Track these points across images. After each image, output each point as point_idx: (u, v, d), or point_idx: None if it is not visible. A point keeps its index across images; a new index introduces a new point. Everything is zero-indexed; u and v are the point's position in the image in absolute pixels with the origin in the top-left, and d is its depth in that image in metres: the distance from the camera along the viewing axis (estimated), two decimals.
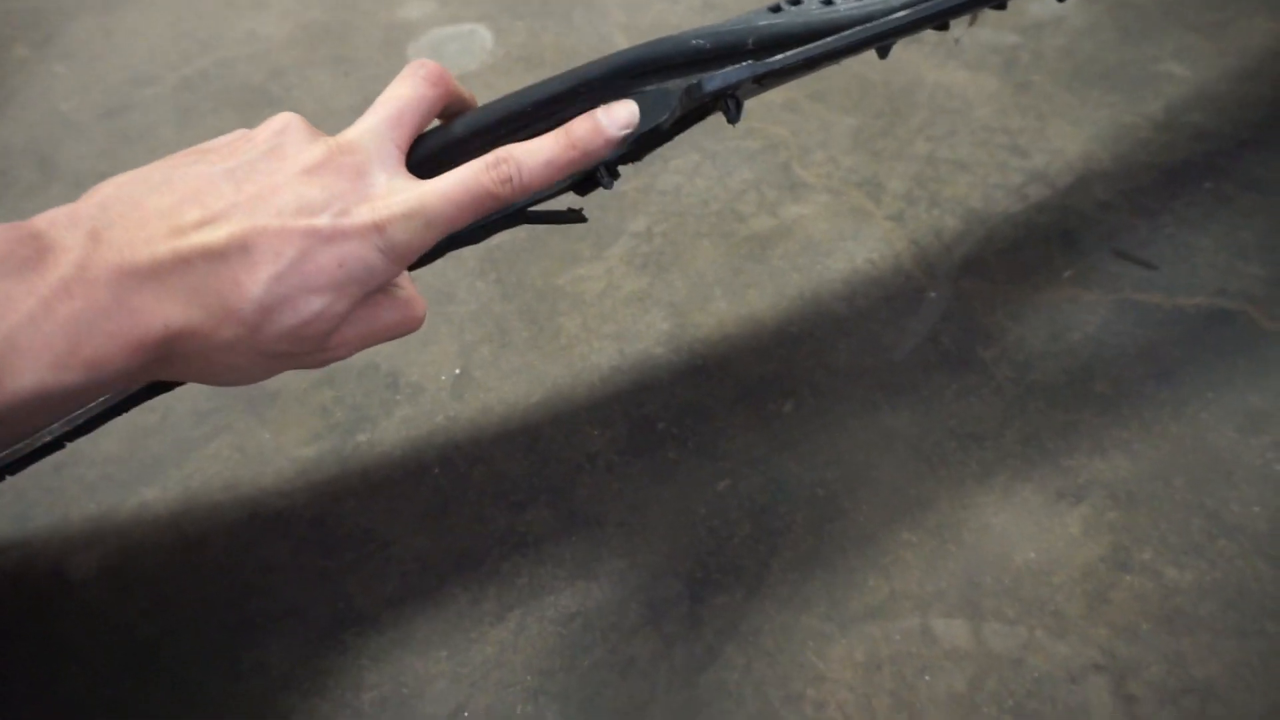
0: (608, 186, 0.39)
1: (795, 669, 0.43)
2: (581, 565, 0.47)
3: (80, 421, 0.43)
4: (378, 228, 0.32)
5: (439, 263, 0.61)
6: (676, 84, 0.36)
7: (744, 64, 0.35)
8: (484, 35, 0.81)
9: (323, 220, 0.31)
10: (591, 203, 0.65)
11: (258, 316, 0.30)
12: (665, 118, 0.36)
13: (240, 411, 0.55)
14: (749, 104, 0.71)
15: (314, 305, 0.31)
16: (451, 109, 0.38)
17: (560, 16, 0.82)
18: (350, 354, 0.35)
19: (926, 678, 0.42)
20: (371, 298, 0.34)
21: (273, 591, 0.47)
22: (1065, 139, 0.66)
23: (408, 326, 0.36)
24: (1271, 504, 0.46)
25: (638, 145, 0.39)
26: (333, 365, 0.56)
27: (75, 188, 0.70)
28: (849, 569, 0.46)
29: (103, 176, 0.67)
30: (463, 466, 0.51)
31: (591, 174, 0.39)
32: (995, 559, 0.46)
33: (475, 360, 0.56)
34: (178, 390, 0.56)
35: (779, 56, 0.35)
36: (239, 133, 0.34)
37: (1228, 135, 0.64)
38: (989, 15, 0.76)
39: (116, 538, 0.50)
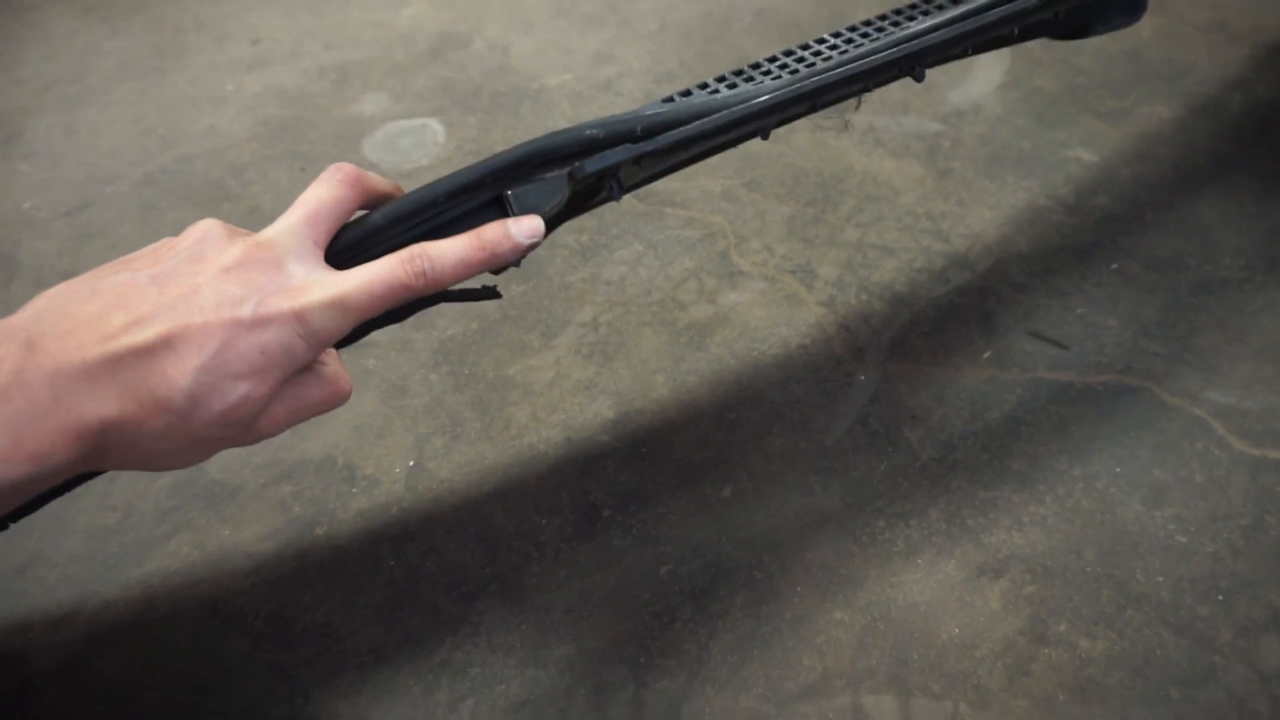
0: (516, 265, 0.42)
1: None
2: (531, 653, 0.49)
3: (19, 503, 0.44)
4: (298, 316, 0.35)
5: (393, 355, 0.64)
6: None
7: (622, 147, 0.39)
8: (436, 129, 0.84)
9: (244, 311, 0.34)
10: (540, 293, 0.68)
11: (187, 405, 0.33)
12: (559, 199, 0.40)
13: (200, 509, 0.57)
14: (691, 194, 0.75)
15: (239, 390, 0.34)
16: (372, 203, 0.41)
17: (509, 110, 0.86)
18: (280, 430, 0.37)
19: None
20: (297, 377, 0.37)
21: (231, 690, 0.49)
22: (984, 223, 0.70)
23: (334, 402, 0.38)
24: (1173, 573, 0.50)
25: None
26: (292, 459, 0.58)
27: (37, 285, 0.72)
28: (784, 649, 0.49)
29: (65, 274, 0.69)
30: (416, 558, 0.53)
31: None
32: (921, 635, 0.49)
33: (428, 452, 0.59)
34: (139, 489, 0.58)
35: (654, 140, 0.39)
36: (163, 241, 0.37)
37: (1131, 217, 0.69)
38: (914, 103, 0.81)
39: (78, 638, 0.51)
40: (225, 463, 0.59)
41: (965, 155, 0.76)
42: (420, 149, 0.81)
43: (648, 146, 0.38)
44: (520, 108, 0.86)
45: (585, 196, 0.41)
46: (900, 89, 0.83)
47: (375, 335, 0.66)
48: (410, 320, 0.67)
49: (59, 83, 0.95)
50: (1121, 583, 0.50)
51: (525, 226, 0.40)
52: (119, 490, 0.58)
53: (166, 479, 0.58)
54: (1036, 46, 0.86)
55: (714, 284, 0.67)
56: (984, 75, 0.84)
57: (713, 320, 0.65)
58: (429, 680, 0.48)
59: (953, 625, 0.49)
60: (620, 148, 0.38)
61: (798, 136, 0.79)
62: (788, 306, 0.65)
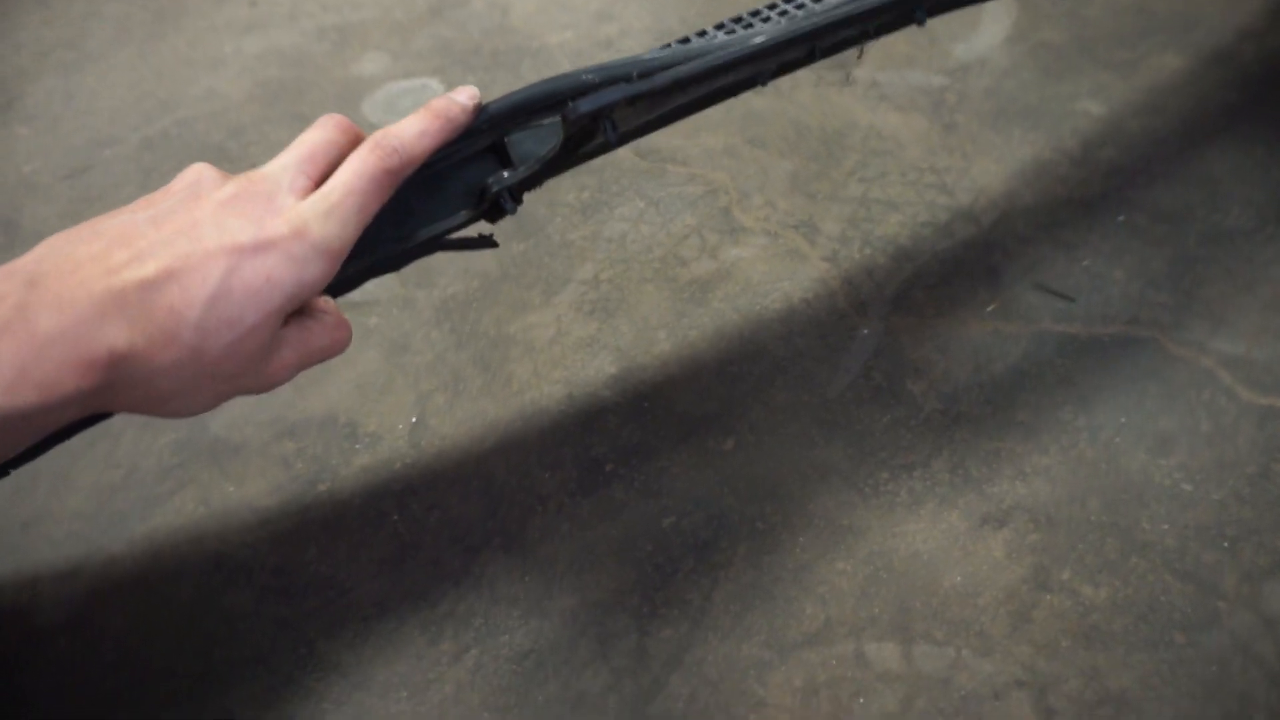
0: (511, 211, 0.43)
1: (737, 696, 0.45)
2: (534, 604, 0.49)
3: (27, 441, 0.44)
4: (298, 234, 0.35)
5: (395, 313, 0.64)
6: None
7: (615, 86, 0.38)
8: (436, 89, 0.83)
9: (244, 237, 0.34)
10: (541, 251, 0.67)
11: (197, 338, 0.33)
12: (556, 143, 0.39)
13: (204, 465, 0.57)
14: (692, 151, 0.74)
15: (249, 319, 0.34)
16: None
17: (509, 68, 0.85)
18: (289, 376, 0.37)
19: (861, 700, 0.45)
20: (303, 323, 0.37)
21: (237, 640, 0.49)
22: (989, 177, 0.69)
23: (337, 348, 0.39)
24: (1179, 521, 0.49)
25: (539, 171, 0.42)
26: (294, 417, 0.58)
27: None
28: (787, 599, 0.49)
29: None
30: (419, 512, 0.54)
31: (496, 200, 0.42)
32: (924, 584, 0.49)
33: (431, 408, 0.59)
34: (142, 446, 0.58)
35: (648, 80, 0.39)
36: (158, 190, 0.37)
37: (1139, 169, 0.68)
38: (919, 57, 0.80)
39: (84, 592, 0.52)
40: (228, 420, 0.59)
41: (971, 109, 0.75)
42: None
43: (642, 87, 0.38)
44: (521, 66, 0.85)
45: (580, 141, 0.40)
46: (905, 43, 0.81)
47: (377, 293, 0.66)
48: (412, 278, 0.67)
49: (58, 47, 0.94)
50: (1126, 531, 0.49)
51: (463, 91, 0.41)
52: (123, 448, 0.58)
53: (170, 436, 0.58)
54: None
55: (716, 240, 0.67)
56: (991, 28, 0.82)
57: (715, 276, 0.64)
58: (433, 631, 0.49)
59: (955, 574, 0.49)
60: (614, 87, 0.38)
61: (801, 92, 0.78)
62: (790, 261, 0.65)
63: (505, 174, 0.42)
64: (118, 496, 0.56)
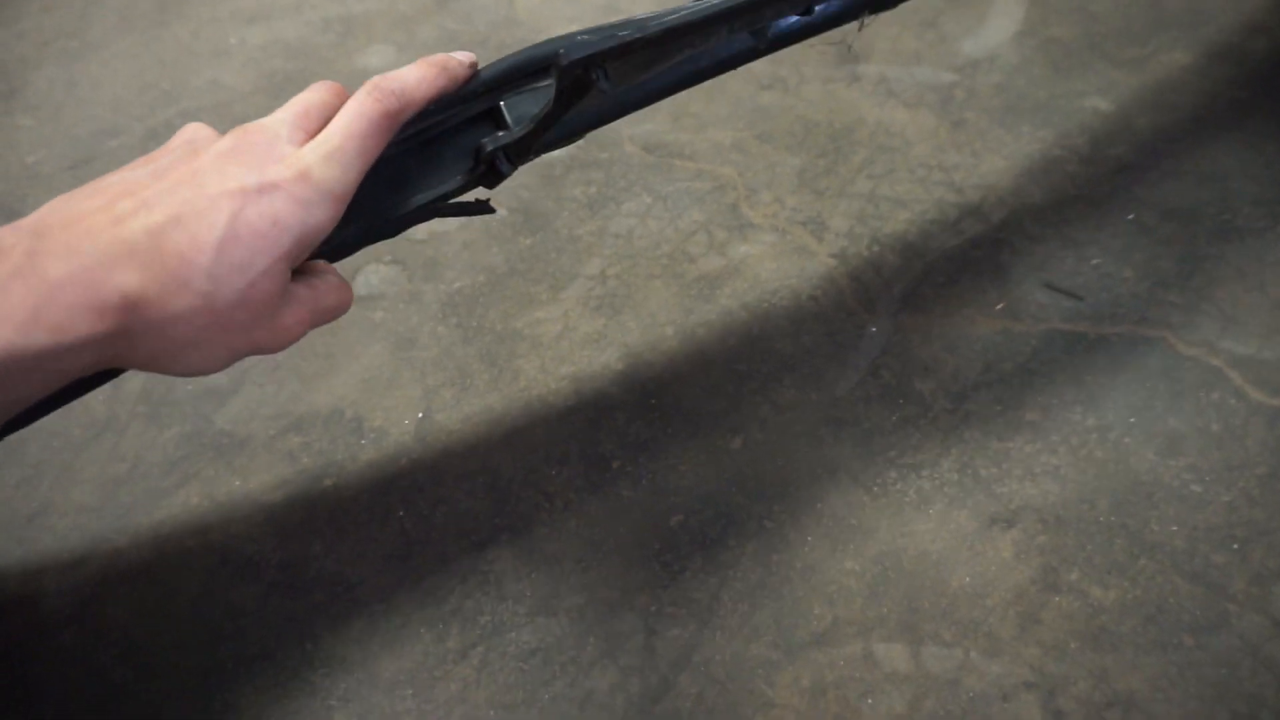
0: (507, 173, 0.42)
1: (745, 696, 0.45)
2: (541, 602, 0.49)
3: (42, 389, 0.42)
4: (301, 176, 0.35)
5: (401, 307, 0.64)
6: None
7: (608, 36, 0.38)
8: None
9: (248, 181, 0.34)
10: (547, 246, 0.67)
11: (208, 284, 0.33)
12: (549, 99, 0.39)
13: (209, 459, 0.57)
14: (700, 146, 0.74)
15: (259, 264, 0.34)
16: None
17: None
18: (302, 332, 0.38)
19: (869, 701, 0.45)
20: (310, 280, 0.38)
21: (243, 635, 0.49)
22: (998, 174, 0.69)
23: (344, 306, 0.40)
24: (1188, 522, 0.49)
25: (534, 130, 0.41)
26: (300, 411, 0.58)
27: None
28: (795, 598, 0.48)
29: None
30: (426, 508, 0.53)
31: (493, 164, 0.42)
32: (933, 584, 0.48)
33: (437, 404, 0.58)
34: (148, 439, 0.58)
35: (639, 28, 0.38)
36: (159, 149, 0.37)
37: (1148, 166, 0.68)
38: (927, 53, 0.80)
39: (89, 585, 0.51)
40: (234, 414, 0.59)
41: (979, 105, 0.74)
42: None
43: (634, 33, 0.37)
44: None
45: (573, 94, 0.39)
46: (913, 39, 0.81)
47: (384, 288, 0.66)
48: (418, 272, 0.66)
49: (60, 36, 0.94)
50: (1135, 532, 0.49)
51: (458, 54, 0.41)
52: (128, 441, 0.58)
53: (175, 429, 0.58)
54: None
55: (724, 236, 0.66)
56: (999, 23, 0.82)
57: (722, 272, 0.64)
58: (439, 628, 0.49)
59: (964, 574, 0.49)
60: (606, 36, 0.37)
61: (809, 88, 0.78)
62: (798, 258, 0.64)
63: (500, 134, 0.42)
64: (122, 490, 0.55)
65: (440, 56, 0.40)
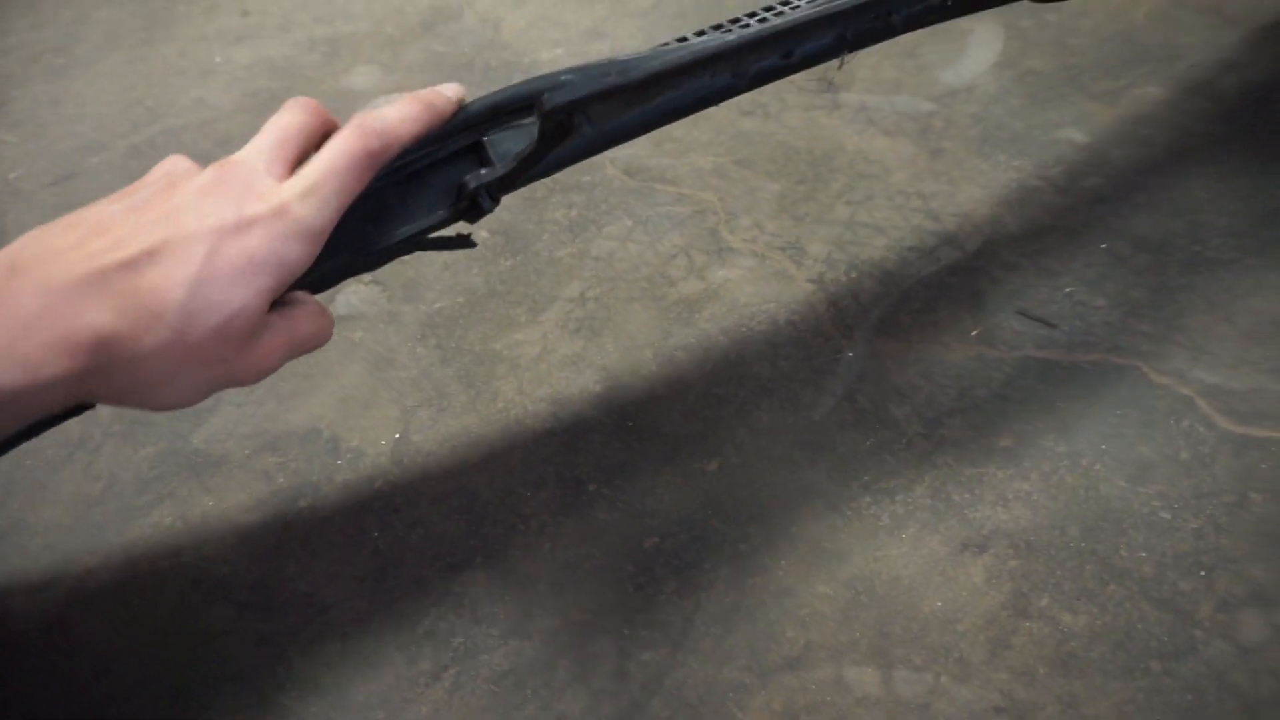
0: (489, 209, 0.43)
1: None
2: (515, 624, 0.49)
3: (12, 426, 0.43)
4: (279, 213, 0.35)
5: (381, 327, 0.64)
6: None
7: (591, 79, 0.38)
8: None
9: (225, 218, 0.34)
10: (527, 268, 0.68)
11: (182, 320, 0.33)
12: (532, 140, 0.39)
13: (183, 479, 0.56)
14: (681, 170, 0.74)
15: (234, 301, 0.34)
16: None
17: (500, 84, 0.85)
18: (278, 363, 0.37)
19: None
20: (288, 311, 0.37)
21: (215, 657, 0.49)
22: (975, 203, 0.70)
23: (323, 336, 0.39)
24: (1156, 549, 0.50)
25: (516, 169, 0.42)
26: (277, 431, 0.58)
27: None
28: (768, 621, 0.49)
29: None
30: (401, 530, 0.53)
31: (475, 200, 0.42)
32: (904, 609, 0.49)
33: (414, 424, 0.58)
34: (121, 459, 0.57)
35: (623, 73, 0.38)
36: (135, 183, 0.37)
37: (1122, 198, 0.69)
38: (906, 82, 0.81)
39: (60, 606, 0.51)
40: (209, 433, 0.59)
41: (957, 135, 0.76)
42: None
43: (618, 79, 0.38)
44: (512, 82, 0.85)
45: (556, 136, 0.40)
46: (893, 68, 0.82)
47: (363, 308, 0.66)
48: (398, 293, 0.67)
49: (46, 52, 0.94)
50: (1104, 558, 0.50)
51: (447, 87, 0.41)
52: (102, 460, 0.58)
53: (150, 448, 0.58)
54: (1032, 26, 0.85)
55: (703, 260, 0.67)
56: (978, 54, 0.83)
57: (702, 296, 0.65)
58: (412, 650, 0.48)
59: (936, 599, 0.49)
60: (590, 80, 0.38)
61: (789, 115, 0.79)
62: (777, 283, 0.65)
63: (483, 172, 0.42)
64: (95, 509, 0.55)
65: (427, 92, 0.40)
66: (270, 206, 0.35)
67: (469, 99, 0.42)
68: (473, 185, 0.42)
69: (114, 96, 0.88)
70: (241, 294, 0.34)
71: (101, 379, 0.33)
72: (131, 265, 0.32)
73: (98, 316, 0.31)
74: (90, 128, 0.84)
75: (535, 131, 0.39)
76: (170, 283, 0.32)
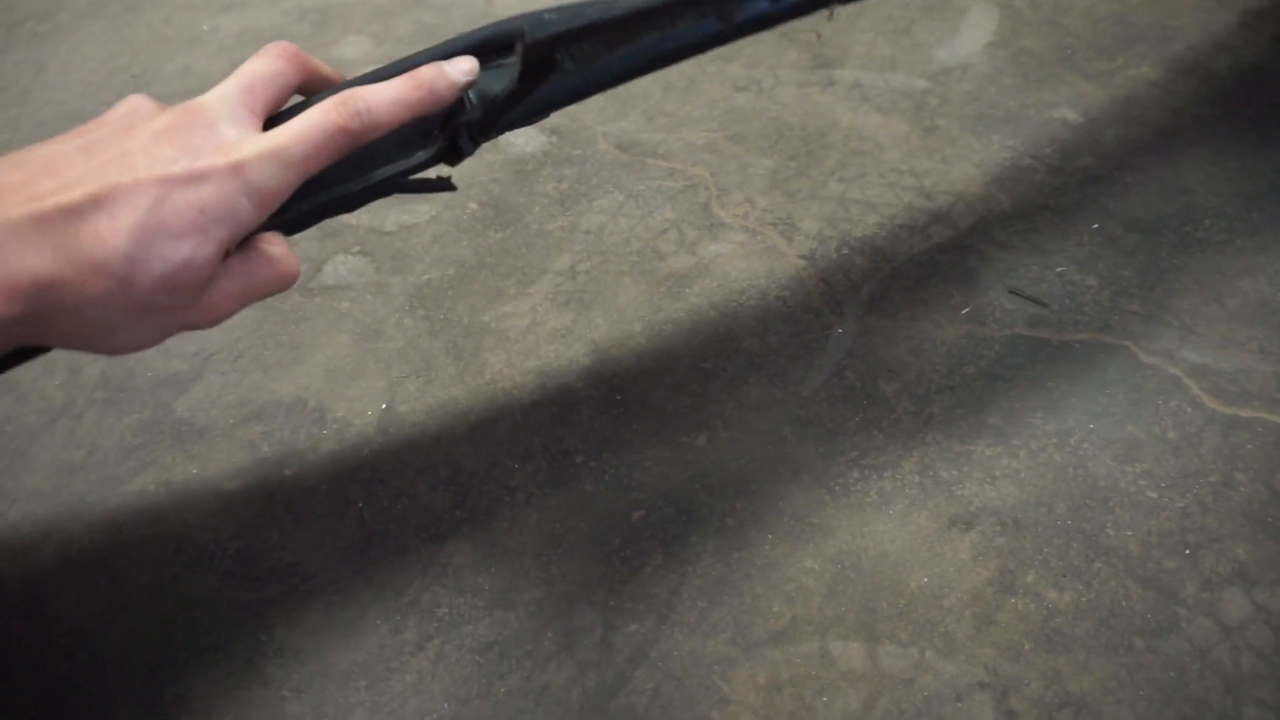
0: (469, 151, 0.42)
1: (701, 692, 0.45)
2: (500, 595, 0.49)
3: None
4: (235, 169, 0.33)
5: (368, 298, 0.63)
6: None
7: (574, 15, 0.37)
8: None
9: (177, 167, 0.33)
10: (517, 241, 0.67)
11: (125, 268, 0.32)
12: (513, 79, 0.39)
13: (167, 447, 0.56)
14: (673, 145, 0.74)
15: (181, 251, 0.33)
16: (313, 87, 0.40)
17: None
18: (233, 309, 0.36)
19: (824, 699, 0.45)
20: (247, 255, 0.36)
21: (196, 626, 0.48)
22: (968, 181, 0.70)
23: (283, 283, 0.37)
24: (1142, 528, 0.50)
25: (497, 109, 0.41)
26: (262, 400, 0.57)
27: None
28: (754, 595, 0.48)
29: None
30: (386, 500, 0.53)
31: (455, 141, 0.42)
32: (891, 584, 0.49)
33: (401, 395, 0.58)
34: (105, 426, 0.57)
35: (602, 10, 0.38)
36: (92, 121, 0.36)
37: (1114, 178, 0.69)
38: (901, 60, 0.80)
39: (39, 574, 0.51)
40: (193, 401, 0.58)
41: (951, 113, 0.75)
42: None
43: (601, 14, 0.37)
44: None
45: (538, 73, 0.39)
46: (888, 45, 0.82)
47: (350, 278, 0.65)
48: (386, 264, 0.66)
49: (30, 19, 0.93)
50: (1091, 536, 0.50)
51: (460, 64, 0.39)
52: (85, 427, 0.57)
53: (134, 416, 0.57)
54: (1026, 6, 0.85)
55: (694, 235, 0.67)
56: (973, 33, 0.83)
57: (692, 271, 0.64)
58: (396, 620, 0.48)
59: (922, 575, 0.49)
60: (573, 15, 0.37)
61: (783, 91, 0.78)
62: (768, 259, 0.65)
63: (464, 111, 0.41)
64: (77, 476, 0.55)
65: (431, 72, 0.38)
66: (228, 161, 0.33)
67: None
68: (452, 126, 0.41)
69: (98, 64, 0.86)
70: (188, 245, 0.32)
71: (43, 324, 0.32)
72: (76, 210, 0.31)
73: (38, 261, 0.30)
74: (74, 95, 0.83)
75: (517, 71, 0.38)
76: (114, 230, 0.31)
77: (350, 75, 0.42)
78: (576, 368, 0.59)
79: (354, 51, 0.86)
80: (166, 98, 0.82)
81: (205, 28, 0.90)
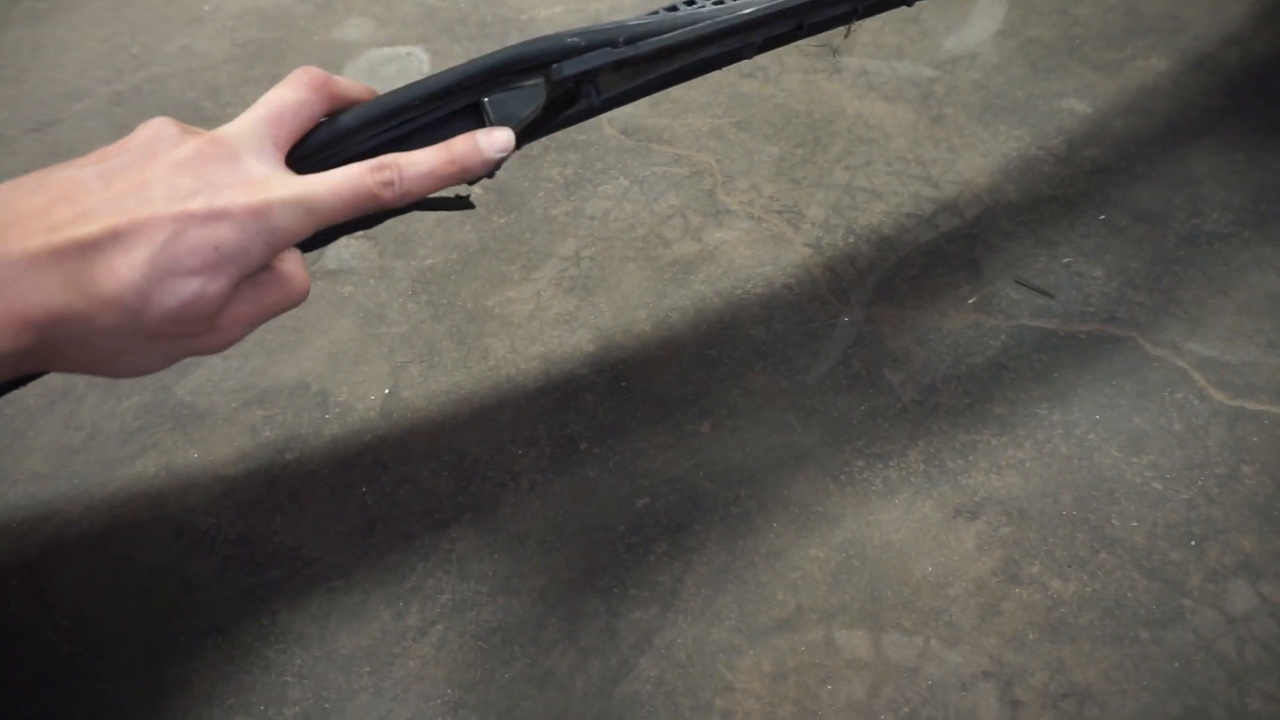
0: (490, 175, 0.41)
1: (705, 680, 0.45)
2: (503, 581, 0.49)
3: None
4: (258, 212, 0.33)
5: (372, 283, 0.63)
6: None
7: (601, 51, 0.37)
8: (421, 58, 0.82)
9: (196, 204, 0.32)
10: (522, 226, 0.66)
11: (137, 301, 0.31)
12: (537, 105, 0.38)
13: (168, 430, 0.55)
14: (679, 131, 0.73)
15: (192, 287, 0.32)
16: (340, 111, 0.39)
17: (496, 40, 0.83)
18: (243, 333, 0.36)
19: (829, 687, 0.45)
20: (258, 277, 0.35)
21: (197, 609, 0.48)
22: (975, 170, 0.69)
23: (292, 302, 0.37)
24: (1148, 519, 0.50)
25: (519, 134, 0.41)
26: (264, 384, 0.57)
27: None
28: (759, 583, 0.48)
29: None
30: (389, 485, 0.53)
31: None
32: (896, 573, 0.49)
33: (405, 380, 0.58)
34: (106, 409, 0.56)
35: (634, 45, 0.37)
36: (115, 143, 0.35)
37: (1121, 169, 0.68)
38: (909, 48, 0.80)
39: (39, 557, 0.50)
40: (195, 385, 0.58)
41: (959, 102, 0.75)
42: (405, 77, 0.79)
43: (628, 52, 0.37)
44: (507, 38, 0.84)
45: (562, 104, 0.39)
46: (896, 34, 0.81)
47: (354, 263, 0.65)
48: (390, 248, 0.65)
49: None
50: (1096, 527, 0.50)
51: (495, 139, 0.38)
52: (85, 410, 0.56)
53: (134, 399, 0.57)
54: None
55: (699, 221, 0.66)
56: (981, 22, 0.82)
57: (697, 257, 0.64)
58: (399, 605, 0.48)
59: (927, 564, 0.49)
60: (599, 51, 0.37)
61: (789, 78, 0.77)
62: (773, 246, 0.64)
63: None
64: (77, 459, 0.54)
65: (466, 146, 0.38)
66: (250, 201, 0.33)
67: (471, 56, 0.41)
68: None
69: (97, 43, 0.85)
70: (199, 282, 0.32)
71: (51, 352, 0.32)
72: (93, 244, 0.31)
73: (51, 295, 0.30)
74: (72, 74, 0.82)
75: (539, 94, 0.38)
76: (127, 265, 0.31)
77: (352, 57, 0.41)
78: (581, 354, 0.58)
79: (357, 33, 0.85)
80: (167, 78, 0.81)
81: (207, 7, 0.89)
